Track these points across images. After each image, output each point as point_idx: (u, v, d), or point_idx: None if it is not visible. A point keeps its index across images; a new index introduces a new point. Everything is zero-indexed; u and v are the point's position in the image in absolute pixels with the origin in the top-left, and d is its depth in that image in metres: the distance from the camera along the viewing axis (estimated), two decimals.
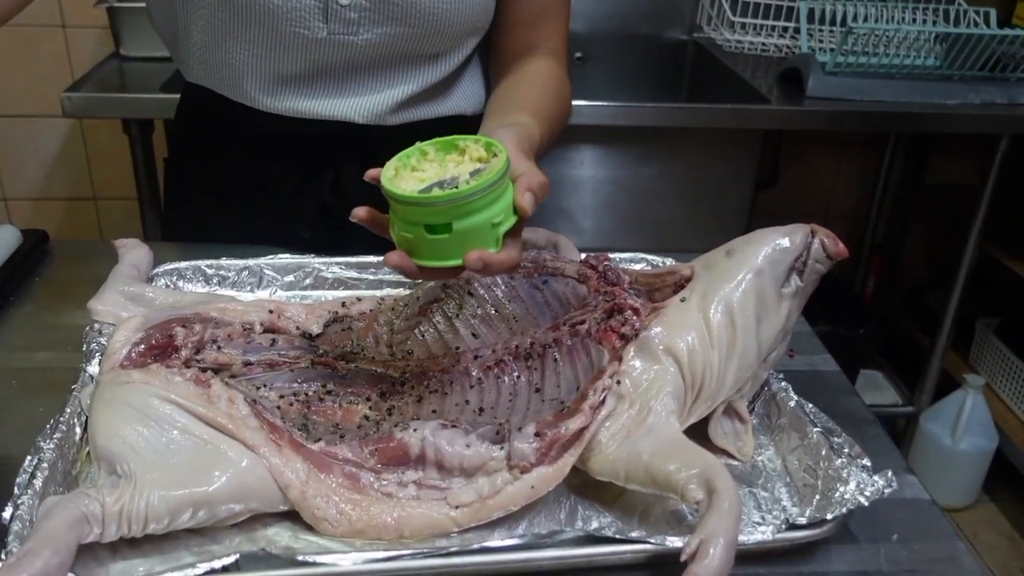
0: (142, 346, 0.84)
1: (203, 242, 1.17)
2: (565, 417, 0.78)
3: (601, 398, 0.79)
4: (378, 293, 1.10)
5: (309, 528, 0.75)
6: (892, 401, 2.59)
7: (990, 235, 2.29)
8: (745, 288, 0.86)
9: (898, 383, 2.62)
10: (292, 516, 0.75)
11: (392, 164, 0.78)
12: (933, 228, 2.81)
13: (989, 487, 2.59)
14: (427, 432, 0.77)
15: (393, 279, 1.11)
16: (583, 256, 1.09)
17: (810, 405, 0.88)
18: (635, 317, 0.87)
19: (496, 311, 0.97)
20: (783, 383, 0.91)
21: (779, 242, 0.87)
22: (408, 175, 0.78)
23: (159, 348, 0.85)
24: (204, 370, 0.83)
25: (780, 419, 0.89)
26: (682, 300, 0.86)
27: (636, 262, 1.17)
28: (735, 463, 0.86)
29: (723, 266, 0.88)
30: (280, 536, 0.75)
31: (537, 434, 0.77)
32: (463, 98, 1.24)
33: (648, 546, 0.71)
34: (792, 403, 0.88)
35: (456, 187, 0.74)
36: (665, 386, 0.81)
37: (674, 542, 0.71)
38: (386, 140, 0.94)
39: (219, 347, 0.87)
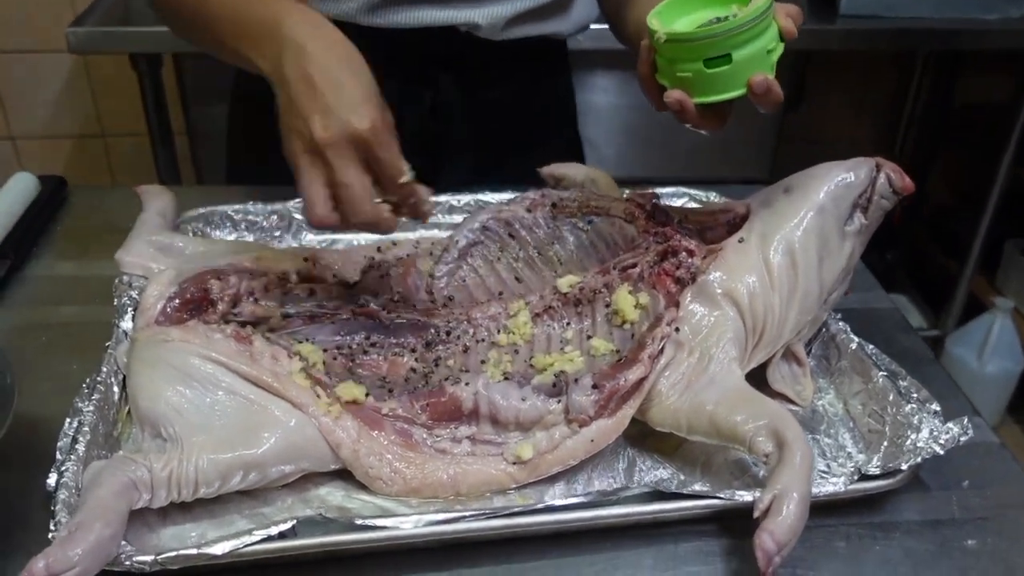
0: (177, 301, 0.81)
1: (272, 184, 1.12)
2: (623, 368, 0.75)
3: (660, 347, 0.76)
4: (412, 236, 1.06)
5: (362, 487, 0.72)
6: (918, 325, 2.56)
7: (1022, 157, 2.22)
8: (806, 227, 0.81)
9: (924, 307, 2.59)
10: (344, 474, 0.73)
11: (653, 15, 0.78)
12: (961, 150, 2.73)
13: (1013, 408, 2.58)
14: (480, 386, 0.74)
15: (430, 221, 1.07)
16: (625, 193, 1.05)
17: (871, 346, 0.84)
18: (690, 259, 0.83)
19: (539, 253, 0.93)
20: (841, 323, 0.88)
21: (842, 178, 0.83)
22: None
23: (195, 302, 0.81)
24: (243, 325, 0.79)
25: (840, 362, 0.86)
26: (740, 241, 0.82)
27: (678, 196, 1.13)
28: (794, 408, 0.83)
29: (782, 204, 0.83)
30: (333, 496, 0.72)
31: (595, 386, 0.73)
32: (570, 20, 1.19)
33: (716, 501, 0.69)
34: (853, 345, 0.85)
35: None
36: (726, 332, 0.77)
37: (743, 496, 0.68)
38: (485, 58, 0.89)
39: (256, 299, 0.83)
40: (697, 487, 0.73)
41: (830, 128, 2.68)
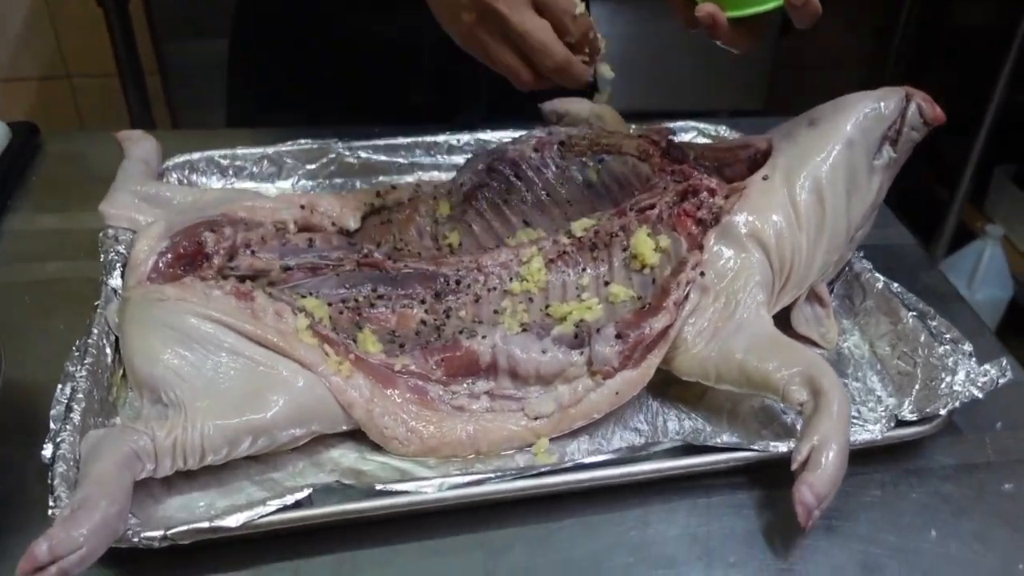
0: (169, 255, 0.76)
1: (264, 126, 1.06)
2: (647, 315, 0.71)
3: (685, 293, 0.72)
4: (410, 179, 1.01)
5: (376, 447, 0.69)
6: None
7: (1017, 81, 2.18)
8: (834, 162, 0.77)
9: (912, 235, 2.57)
10: (357, 434, 0.69)
11: None
12: (952, 74, 2.68)
13: (1001, 336, 2.59)
14: (497, 338, 0.70)
15: (427, 162, 1.02)
16: (632, 128, 1.00)
17: (896, 285, 0.81)
18: (712, 199, 0.79)
19: (548, 195, 0.89)
20: (864, 261, 0.84)
21: (871, 108, 0.78)
22: None
23: (188, 257, 0.76)
24: (242, 279, 0.75)
25: (866, 301, 0.83)
26: (764, 178, 0.78)
27: (686, 131, 1.08)
28: (818, 351, 0.80)
29: (807, 137, 0.79)
30: (346, 458, 0.69)
31: (619, 336, 0.70)
32: None
33: (749, 453, 0.66)
34: (879, 284, 0.81)
35: None
36: (752, 276, 0.74)
37: (777, 447, 0.66)
38: None
39: (253, 252, 0.78)
40: (725, 438, 0.71)
41: (821, 53, 2.62)
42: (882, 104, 0.78)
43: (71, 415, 0.65)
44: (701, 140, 1.06)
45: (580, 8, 0.72)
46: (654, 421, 0.73)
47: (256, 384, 0.66)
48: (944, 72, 2.69)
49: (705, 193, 0.79)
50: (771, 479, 0.67)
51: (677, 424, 0.73)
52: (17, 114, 1.28)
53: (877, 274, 0.82)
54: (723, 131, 1.07)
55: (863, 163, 0.78)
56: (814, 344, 0.80)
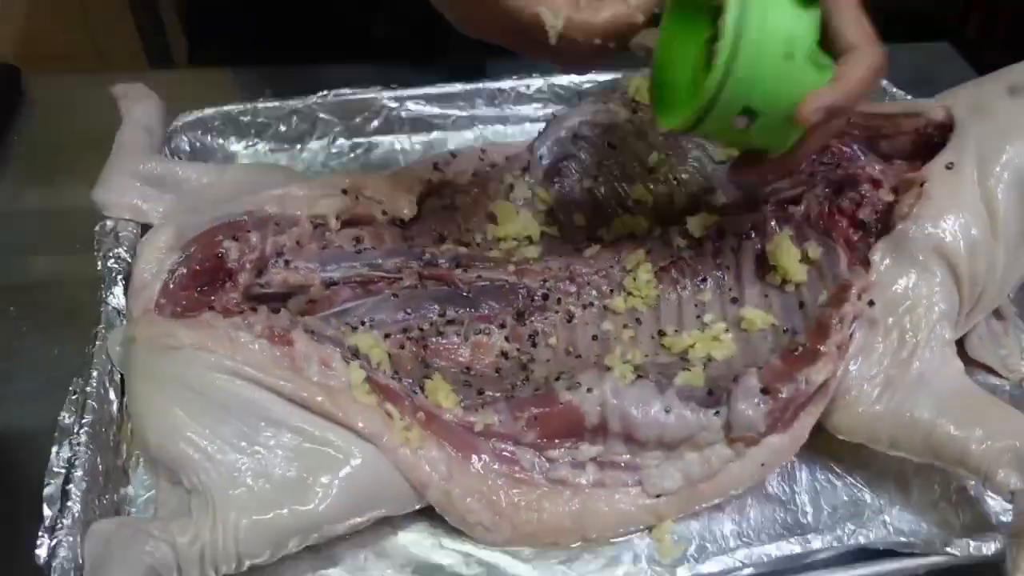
0: (182, 272, 0.60)
1: (232, 65, 0.87)
2: (801, 363, 0.55)
3: (851, 331, 0.56)
4: (470, 136, 0.83)
5: (457, 530, 0.54)
6: None
7: None
8: None
9: None
10: (430, 512, 0.55)
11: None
12: None
13: None
14: (607, 392, 0.54)
15: (491, 114, 0.83)
16: None
17: None
18: (876, 192, 0.61)
19: (650, 172, 0.70)
20: None
21: None
22: None
23: (207, 274, 0.60)
24: (275, 306, 0.59)
25: None
26: (948, 167, 0.59)
27: None
28: (998, 383, 0.64)
29: (1007, 110, 0.60)
30: (419, 547, 0.55)
31: (765, 391, 0.54)
32: None
33: (944, 558, 0.51)
34: None
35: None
36: (935, 304, 0.57)
37: (980, 548, 0.51)
38: None
39: (287, 261, 0.62)
40: (895, 514, 0.56)
41: None
42: None
43: (69, 503, 0.51)
44: None
45: None
46: (798, 485, 0.58)
47: (303, 465, 0.51)
48: None
49: (867, 185, 0.61)
50: None
51: (830, 492, 0.58)
52: None
53: None
54: None
55: None
56: (990, 371, 0.64)
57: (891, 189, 0.60)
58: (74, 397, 0.57)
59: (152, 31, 1.50)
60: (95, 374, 0.57)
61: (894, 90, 0.82)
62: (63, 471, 0.53)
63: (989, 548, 0.51)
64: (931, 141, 0.64)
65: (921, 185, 0.59)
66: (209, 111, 0.79)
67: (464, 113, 0.83)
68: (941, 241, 0.57)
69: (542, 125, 0.74)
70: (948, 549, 0.51)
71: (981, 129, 0.60)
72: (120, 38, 1.62)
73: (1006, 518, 0.55)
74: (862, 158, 0.63)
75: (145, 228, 0.66)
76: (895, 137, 0.66)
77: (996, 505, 0.57)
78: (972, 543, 0.51)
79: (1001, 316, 0.66)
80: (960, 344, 0.62)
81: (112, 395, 0.57)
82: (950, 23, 2.07)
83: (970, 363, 0.63)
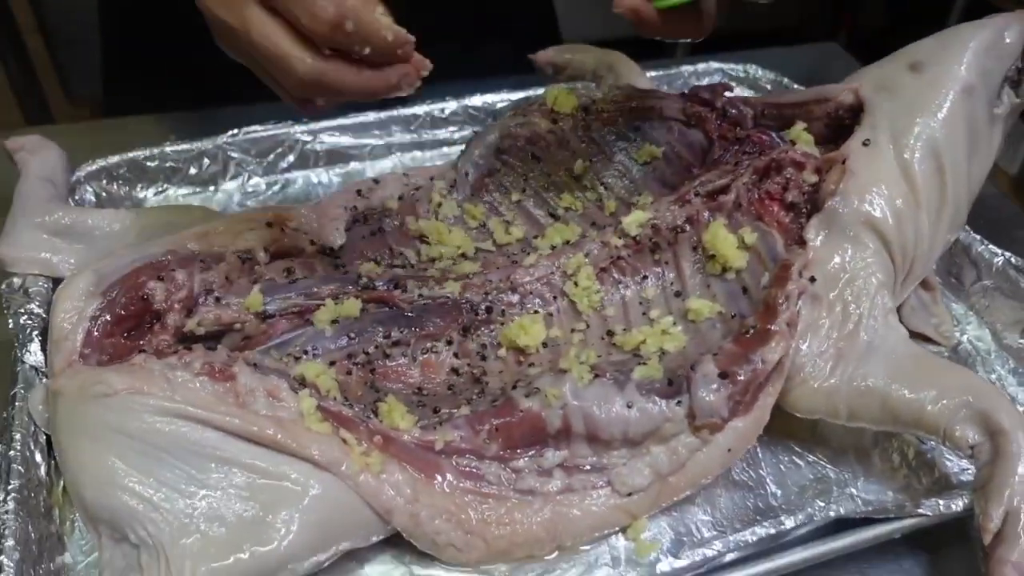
0: (106, 318, 0.56)
1: (150, 111, 0.84)
2: (755, 344, 0.55)
3: (797, 307, 0.56)
4: (388, 164, 0.82)
5: (426, 555, 0.52)
6: None
7: None
8: (950, 115, 0.61)
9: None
10: (396, 539, 0.52)
11: None
12: None
13: None
14: (566, 391, 0.53)
15: (408, 140, 0.82)
16: (647, 76, 0.83)
17: (1015, 258, 0.67)
18: (800, 175, 0.62)
19: (576, 180, 0.71)
20: (968, 230, 0.70)
21: (990, 43, 0.62)
22: None
23: (132, 318, 0.57)
24: (209, 344, 0.56)
25: (981, 281, 0.68)
26: (865, 143, 0.61)
27: (709, 74, 0.90)
28: (934, 350, 0.65)
29: (912, 86, 0.63)
30: None
31: (723, 375, 0.54)
32: None
33: (916, 520, 0.51)
34: (998, 260, 0.67)
35: None
36: (872, 274, 0.58)
37: (949, 506, 0.51)
38: None
39: (218, 298, 0.59)
40: (860, 486, 0.56)
41: None
42: (1007, 34, 0.62)
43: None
44: (737, 88, 0.89)
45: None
46: (763, 469, 0.58)
47: (259, 502, 0.48)
48: None
49: (791, 168, 0.62)
50: (931, 541, 0.53)
51: (795, 472, 0.58)
52: None
53: (992, 247, 0.68)
54: (754, 71, 0.90)
55: (983, 114, 0.62)
56: (926, 340, 0.66)
57: (814, 170, 0.62)
58: None
59: (29, 89, 1.45)
60: (18, 436, 0.53)
61: (794, 86, 0.86)
62: None
63: (958, 505, 0.51)
64: (843, 123, 0.66)
65: (843, 163, 0.60)
66: (114, 159, 0.75)
67: (380, 141, 0.82)
68: (869, 214, 0.58)
69: (459, 148, 0.74)
70: (920, 511, 0.51)
71: (890, 106, 0.62)
72: None
73: (965, 477, 0.57)
74: (782, 143, 0.65)
75: (56, 282, 0.62)
76: (809, 123, 0.68)
77: (954, 466, 0.58)
78: (941, 502, 0.51)
79: (928, 287, 0.67)
80: None
81: (39, 458, 0.53)
82: (819, 34, 2.19)
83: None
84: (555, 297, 0.63)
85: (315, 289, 0.61)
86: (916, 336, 0.65)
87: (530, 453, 0.54)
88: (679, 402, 0.53)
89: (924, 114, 0.61)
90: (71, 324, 0.55)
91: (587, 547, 0.53)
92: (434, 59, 0.51)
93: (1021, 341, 0.65)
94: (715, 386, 0.53)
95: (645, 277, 0.63)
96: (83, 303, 0.56)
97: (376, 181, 0.72)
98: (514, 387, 0.55)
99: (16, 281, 0.62)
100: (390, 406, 0.54)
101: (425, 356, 0.59)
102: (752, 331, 0.56)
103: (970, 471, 0.56)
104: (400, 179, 0.72)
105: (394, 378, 0.58)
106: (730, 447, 0.54)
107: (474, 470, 0.53)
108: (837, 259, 0.58)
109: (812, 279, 0.57)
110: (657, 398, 0.54)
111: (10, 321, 0.60)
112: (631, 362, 0.57)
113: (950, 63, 0.62)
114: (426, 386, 0.58)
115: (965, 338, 0.67)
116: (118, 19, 0.93)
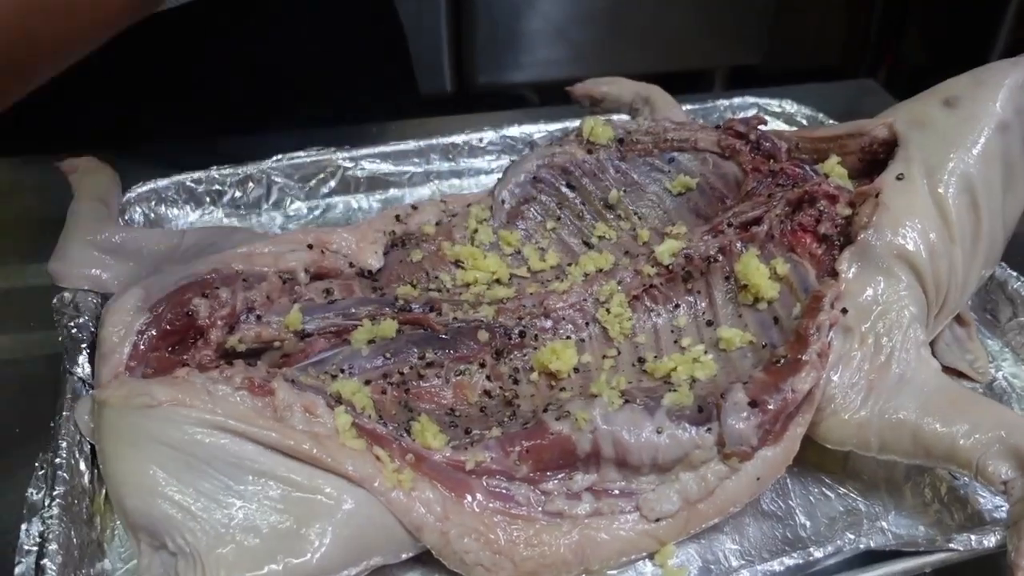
0: (152, 332, 0.58)
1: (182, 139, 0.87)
2: (786, 373, 0.55)
3: (828, 338, 0.56)
4: (427, 192, 0.84)
5: (453, 574, 0.53)
6: None
7: None
8: (985, 152, 0.62)
9: None
10: (426, 557, 0.53)
11: None
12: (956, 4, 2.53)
13: None
14: (596, 416, 0.54)
15: (446, 168, 0.85)
16: (683, 108, 0.84)
17: None
18: (833, 208, 0.63)
19: (610, 208, 0.72)
20: (1004, 266, 0.69)
21: (1023, 81, 0.63)
22: None
23: (177, 333, 0.59)
24: (249, 360, 0.57)
25: (1017, 317, 0.68)
26: (899, 178, 0.62)
27: (744, 108, 0.91)
28: (969, 385, 0.65)
29: (945, 122, 0.63)
30: None
31: (753, 403, 0.54)
32: None
33: (947, 555, 0.51)
34: None
35: None
36: (904, 307, 0.58)
37: (981, 542, 0.51)
38: None
39: (259, 316, 0.61)
40: (891, 520, 0.56)
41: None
42: None
43: None
44: (772, 122, 0.89)
45: None
46: (792, 500, 0.58)
47: (293, 515, 0.49)
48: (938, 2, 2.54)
49: (824, 201, 0.63)
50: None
51: (825, 504, 0.58)
52: None
53: None
54: (788, 106, 0.91)
55: (1018, 151, 0.63)
56: (960, 376, 0.65)
57: (848, 203, 0.62)
58: (41, 472, 0.54)
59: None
60: (64, 445, 0.55)
61: (830, 121, 0.86)
62: (35, 548, 0.50)
63: (990, 541, 0.51)
64: (877, 157, 0.67)
65: (876, 196, 0.61)
66: (163, 181, 0.78)
67: (419, 169, 0.84)
68: (902, 247, 0.59)
69: (496, 176, 0.76)
70: (951, 545, 0.51)
71: (924, 141, 0.63)
72: None
73: (999, 514, 0.56)
74: (815, 176, 0.65)
75: (105, 298, 0.65)
76: (843, 157, 0.68)
77: (987, 502, 0.57)
78: (973, 537, 0.51)
79: (963, 323, 0.67)
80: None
81: (83, 466, 0.55)
82: (860, 71, 2.19)
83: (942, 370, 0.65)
84: (587, 323, 0.63)
85: (353, 310, 0.62)
86: (951, 372, 0.65)
87: (560, 476, 0.54)
88: (709, 429, 0.54)
89: (958, 149, 0.62)
90: (119, 338, 0.57)
91: (614, 572, 0.54)
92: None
93: None
94: (745, 414, 0.54)
95: (677, 306, 0.64)
96: (131, 318, 0.58)
97: (414, 207, 0.73)
98: (545, 410, 0.56)
99: (67, 296, 0.64)
100: (423, 425, 0.55)
101: (458, 378, 0.60)
102: (783, 361, 0.56)
103: (1004, 508, 0.56)
104: (437, 205, 0.74)
105: (427, 398, 0.59)
106: (759, 476, 0.54)
107: (504, 491, 0.53)
108: (870, 291, 0.58)
109: (844, 311, 0.57)
110: (687, 425, 0.54)
111: (60, 334, 0.62)
112: (661, 388, 0.57)
113: (985, 100, 0.62)
114: (458, 407, 0.59)
115: (1000, 374, 0.66)
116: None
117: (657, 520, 0.54)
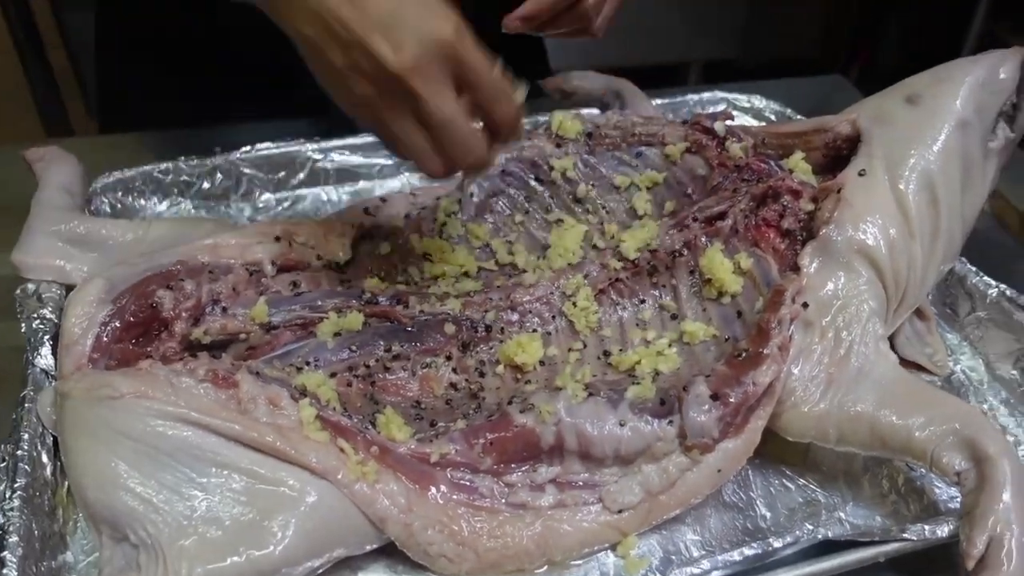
0: (115, 324, 0.58)
1: (151, 128, 0.86)
2: (747, 367, 0.56)
3: (789, 332, 0.57)
4: (397, 184, 0.84)
5: (418, 566, 0.53)
6: None
7: (997, 11, 2.06)
8: (945, 148, 0.63)
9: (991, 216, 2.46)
10: (390, 549, 0.53)
11: None
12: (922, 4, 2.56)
13: None
14: (560, 408, 0.54)
15: None
16: (654, 103, 0.84)
17: (1010, 291, 0.68)
18: (796, 202, 0.63)
19: (579, 202, 0.72)
20: (964, 261, 0.70)
21: (985, 78, 0.64)
22: None
23: (141, 325, 0.58)
24: (214, 352, 0.57)
25: (976, 312, 0.69)
26: (861, 173, 0.63)
27: (714, 103, 0.92)
28: (928, 379, 0.66)
29: (908, 119, 0.64)
30: None
31: (715, 396, 0.55)
32: None
33: (901, 544, 0.52)
34: (992, 291, 0.68)
35: None
36: (864, 302, 0.59)
37: (935, 531, 0.52)
38: None
39: (225, 308, 0.61)
40: (849, 511, 0.57)
41: None
42: (1002, 70, 0.63)
43: (4, 571, 0.48)
44: (740, 117, 0.90)
45: (521, 96, 0.55)
46: (754, 491, 0.59)
47: (256, 507, 0.49)
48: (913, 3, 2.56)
49: (788, 196, 0.64)
50: (920, 568, 0.54)
51: (785, 495, 0.58)
52: None
53: (987, 278, 0.68)
54: (757, 101, 0.91)
55: (978, 148, 0.64)
56: (920, 369, 0.66)
57: (811, 198, 0.63)
58: (2, 464, 0.54)
59: (50, 102, 1.48)
60: (26, 437, 0.54)
61: (798, 117, 0.87)
62: None
63: (943, 531, 0.52)
64: (841, 153, 0.68)
65: (838, 192, 0.61)
66: (129, 172, 0.77)
67: (389, 161, 0.84)
68: (863, 242, 0.60)
69: None
70: (905, 535, 0.52)
71: (886, 137, 0.64)
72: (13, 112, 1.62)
73: (954, 505, 0.57)
74: (780, 172, 0.66)
75: (69, 289, 0.64)
76: (808, 152, 0.69)
77: (942, 493, 0.58)
78: (927, 527, 0.52)
79: (923, 317, 0.69)
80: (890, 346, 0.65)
81: (45, 458, 0.55)
82: (835, 67, 2.20)
83: (901, 363, 0.65)
84: (554, 316, 0.64)
85: (319, 302, 0.62)
86: (910, 365, 0.66)
87: (523, 468, 0.55)
88: (671, 422, 0.54)
89: (919, 146, 0.62)
90: (82, 329, 0.57)
91: (577, 562, 0.54)
92: None
93: (1013, 372, 0.65)
94: (707, 407, 0.54)
95: (643, 300, 0.64)
96: (94, 309, 0.58)
97: (383, 199, 0.74)
98: (510, 402, 0.56)
99: (30, 287, 0.64)
100: (388, 418, 0.55)
101: (424, 371, 0.61)
102: (744, 354, 0.57)
103: (958, 499, 0.57)
104: (407, 198, 0.74)
105: (393, 391, 0.59)
106: (720, 468, 0.55)
107: (468, 483, 0.54)
108: (830, 286, 0.59)
109: (805, 305, 0.58)
110: (649, 417, 0.55)
111: (23, 325, 0.61)
112: (625, 381, 0.58)
113: (946, 97, 0.63)
114: (424, 400, 0.60)
115: (958, 368, 0.67)
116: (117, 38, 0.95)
117: (619, 511, 0.54)
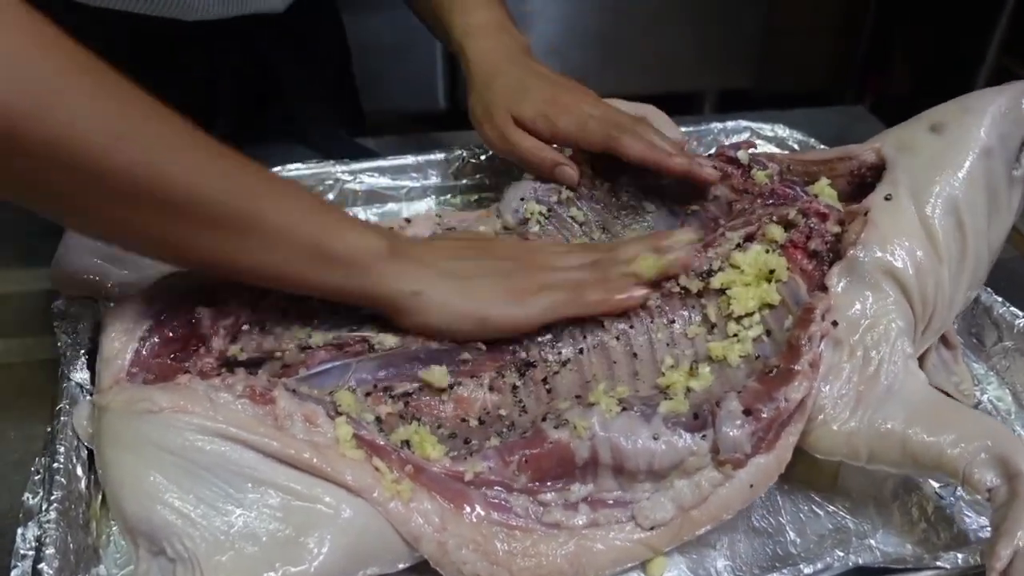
0: (155, 339, 0.58)
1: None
2: (779, 383, 0.56)
3: (819, 349, 0.58)
4: (422, 207, 0.85)
5: None
6: None
7: (1010, 44, 2.08)
8: (971, 176, 0.63)
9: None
10: (422, 568, 0.53)
11: None
12: (933, 32, 2.58)
13: None
14: (594, 423, 0.55)
15: (444, 183, 0.85)
16: (679, 130, 0.85)
17: None
18: (823, 225, 0.64)
19: (605, 231, 0.73)
20: (990, 292, 0.71)
21: (1008, 108, 0.64)
22: None
23: (179, 341, 0.59)
24: (251, 369, 0.58)
25: (1003, 342, 0.69)
26: (887, 199, 0.63)
27: (737, 132, 0.93)
28: None
29: (931, 147, 0.65)
30: None
31: (747, 412, 0.55)
32: None
33: (927, 573, 0.52)
34: (1019, 321, 0.68)
35: None
36: (892, 321, 0.60)
37: (969, 560, 0.52)
38: None
39: (262, 326, 0.61)
40: (879, 539, 0.57)
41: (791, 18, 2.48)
42: (1022, 103, 0.64)
43: None
44: (764, 145, 0.91)
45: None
46: (783, 516, 0.59)
47: (292, 523, 0.50)
48: (924, 30, 2.58)
49: (814, 218, 0.64)
50: None
51: (815, 521, 0.59)
52: None
53: (1014, 308, 0.69)
54: (781, 131, 0.92)
55: (1003, 176, 0.64)
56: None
57: (837, 221, 0.64)
58: (38, 477, 0.55)
59: None
60: (61, 450, 0.55)
61: (820, 146, 0.88)
62: (31, 552, 0.50)
63: (977, 559, 0.52)
64: (865, 181, 0.68)
65: (865, 214, 0.62)
66: None
67: (417, 184, 0.85)
68: (890, 263, 0.60)
69: (494, 193, 0.77)
70: (939, 563, 0.52)
71: (911, 165, 0.64)
72: None
73: (984, 534, 0.57)
74: (806, 196, 0.67)
75: (104, 305, 0.65)
76: (833, 180, 0.70)
77: (972, 522, 0.58)
78: (960, 556, 0.52)
79: (949, 345, 0.69)
80: None
81: (80, 471, 0.55)
82: (846, 99, 2.22)
83: None
84: (585, 336, 0.64)
85: (356, 323, 0.63)
86: None
87: (557, 486, 0.55)
88: (704, 436, 0.55)
89: (944, 173, 0.63)
90: (121, 344, 0.58)
91: None
92: None
93: None
94: (739, 422, 0.55)
95: (673, 320, 0.65)
96: (134, 324, 0.59)
97: (408, 220, 0.74)
98: (544, 419, 0.57)
99: (67, 301, 0.65)
100: (421, 436, 0.55)
101: (458, 391, 0.61)
102: (776, 371, 0.57)
103: (987, 528, 0.57)
104: (432, 219, 0.75)
105: (426, 411, 0.60)
106: (752, 483, 0.55)
107: (502, 502, 0.54)
108: (858, 305, 0.60)
109: (835, 323, 0.59)
110: (683, 431, 0.55)
111: (59, 340, 0.62)
112: (657, 397, 0.58)
113: (969, 126, 0.64)
114: (458, 419, 0.60)
115: (985, 398, 0.68)
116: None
117: (651, 528, 0.54)
